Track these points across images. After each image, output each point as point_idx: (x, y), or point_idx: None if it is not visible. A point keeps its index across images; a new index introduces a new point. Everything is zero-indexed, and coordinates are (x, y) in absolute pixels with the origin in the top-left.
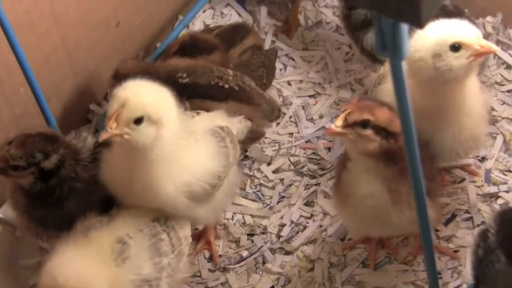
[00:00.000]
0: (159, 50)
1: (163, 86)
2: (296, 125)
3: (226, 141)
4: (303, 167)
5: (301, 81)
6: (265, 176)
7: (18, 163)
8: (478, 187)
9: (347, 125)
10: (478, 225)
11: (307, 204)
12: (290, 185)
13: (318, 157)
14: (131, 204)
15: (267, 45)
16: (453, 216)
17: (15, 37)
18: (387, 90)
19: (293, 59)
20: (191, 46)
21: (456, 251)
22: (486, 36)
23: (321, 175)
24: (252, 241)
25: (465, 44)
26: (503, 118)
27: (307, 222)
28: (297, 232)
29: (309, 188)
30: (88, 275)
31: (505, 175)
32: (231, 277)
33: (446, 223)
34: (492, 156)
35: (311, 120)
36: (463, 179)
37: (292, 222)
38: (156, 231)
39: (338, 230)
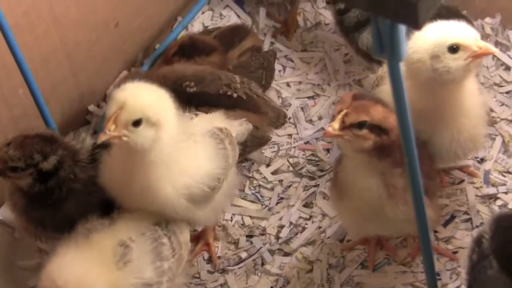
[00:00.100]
0: (158, 52)
1: (168, 93)
2: (295, 127)
3: (225, 142)
4: (302, 168)
5: (300, 82)
6: (264, 177)
7: (16, 164)
8: (477, 188)
9: (344, 127)
10: (477, 226)
11: (306, 205)
12: (289, 187)
13: (317, 159)
14: (130, 206)
15: (266, 47)
16: (452, 217)
17: (13, 38)
18: (385, 92)
19: (292, 61)
20: (190, 48)
21: (455, 252)
22: (485, 37)
23: (320, 177)
24: (251, 243)
25: (463, 45)
26: (502, 119)
27: (306, 224)
28: (296, 234)
29: (308, 190)
30: (88, 278)
31: (504, 176)
32: (230, 278)
33: (445, 224)
34: (491, 157)
35: (310, 121)
36: (462, 180)
37: (291, 223)
38: (158, 235)
39: (337, 232)
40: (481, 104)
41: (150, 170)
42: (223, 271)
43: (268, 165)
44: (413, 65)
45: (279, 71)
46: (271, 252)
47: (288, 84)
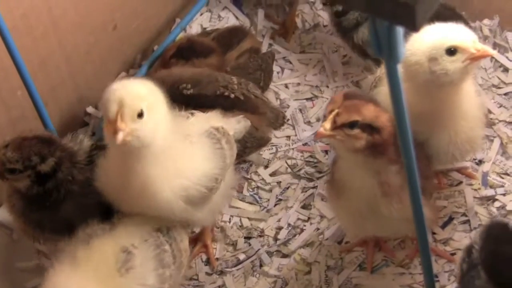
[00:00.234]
0: (156, 53)
1: (167, 96)
2: (294, 128)
3: (222, 142)
4: (300, 170)
5: (298, 84)
6: (262, 179)
7: (14, 166)
8: (475, 190)
9: (335, 127)
10: (475, 228)
11: (304, 207)
12: (287, 188)
13: (315, 160)
14: (128, 210)
15: (264, 48)
16: (450, 219)
17: (12, 40)
18: (383, 93)
19: (290, 62)
20: (188, 50)
21: (453, 254)
22: (483, 39)
23: (318, 178)
24: (249, 244)
25: (461, 47)
26: (500, 121)
27: (304, 225)
28: (294, 235)
29: (306, 191)
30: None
31: (502, 178)
32: (228, 280)
33: (443, 226)
34: (489, 159)
35: (309, 123)
36: (460, 182)
37: (289, 225)
38: (160, 242)
39: (335, 233)
40: (478, 106)
41: (146, 172)
42: (221, 272)
43: (266, 167)
44: (411, 67)
45: (278, 72)
46: (269, 254)
47: (286, 86)
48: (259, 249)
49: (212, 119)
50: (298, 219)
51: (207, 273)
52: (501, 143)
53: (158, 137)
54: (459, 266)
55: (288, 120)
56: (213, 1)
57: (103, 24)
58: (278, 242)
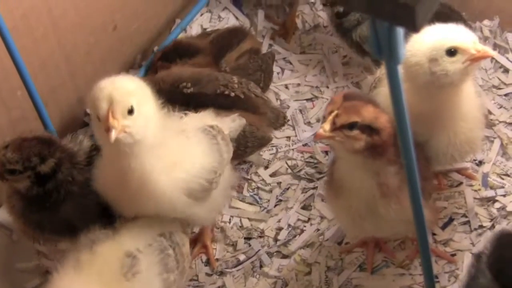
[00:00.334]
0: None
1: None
2: (294, 129)
3: (218, 138)
4: (300, 170)
5: (298, 84)
6: (263, 179)
7: (14, 167)
8: (475, 191)
9: (335, 128)
10: (475, 229)
11: (304, 207)
12: (288, 189)
13: (315, 161)
14: (127, 211)
15: (264, 49)
16: (450, 220)
17: (12, 41)
18: (383, 94)
19: (290, 63)
20: (173, 52)
21: (453, 255)
22: (483, 39)
23: (318, 179)
24: (249, 245)
25: (461, 48)
26: (500, 121)
27: (304, 226)
28: (294, 236)
29: (306, 192)
30: None
31: (502, 179)
32: (228, 280)
33: (443, 227)
34: (489, 160)
35: (309, 123)
36: (460, 183)
37: (289, 225)
38: (164, 246)
39: (335, 234)
40: (478, 107)
41: (142, 168)
42: (221, 273)
43: (266, 167)
44: (411, 68)
45: (278, 73)
46: (270, 255)
47: (286, 86)
48: (259, 250)
49: (206, 118)
50: (298, 219)
51: (207, 274)
52: (501, 144)
53: (149, 133)
54: (468, 271)
55: (288, 120)
56: (213, 2)
57: (103, 24)
58: (278, 243)
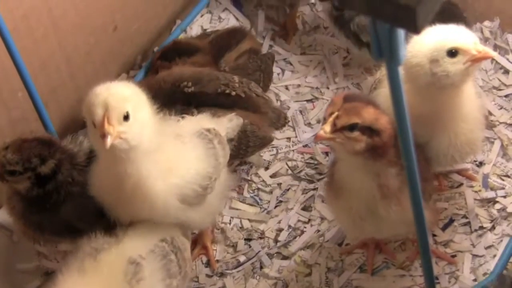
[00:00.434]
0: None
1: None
2: (294, 130)
3: (214, 142)
4: (300, 171)
5: (298, 85)
6: (263, 180)
7: (14, 168)
8: (476, 192)
9: (335, 129)
10: (475, 230)
11: (305, 208)
12: (288, 190)
13: (315, 162)
14: (123, 215)
15: (264, 50)
16: (451, 221)
17: (12, 41)
18: (383, 95)
19: (291, 64)
20: (172, 51)
21: (453, 256)
22: (484, 41)
23: (318, 180)
24: (250, 246)
25: (462, 49)
26: (500, 123)
27: (305, 227)
28: (295, 237)
29: (306, 193)
30: None
31: (503, 180)
32: (228, 282)
33: (444, 228)
34: (489, 161)
35: (309, 124)
36: (461, 184)
37: (289, 226)
38: (166, 252)
39: (335, 235)
40: (479, 108)
41: (137, 173)
42: (222, 274)
43: (266, 168)
44: (412, 69)
45: (278, 74)
46: (270, 256)
47: (286, 87)
48: (259, 251)
49: (202, 121)
50: (299, 221)
51: (207, 275)
52: (502, 145)
53: (145, 138)
54: None
55: (288, 121)
56: (213, 3)
57: (103, 25)
58: (278, 244)
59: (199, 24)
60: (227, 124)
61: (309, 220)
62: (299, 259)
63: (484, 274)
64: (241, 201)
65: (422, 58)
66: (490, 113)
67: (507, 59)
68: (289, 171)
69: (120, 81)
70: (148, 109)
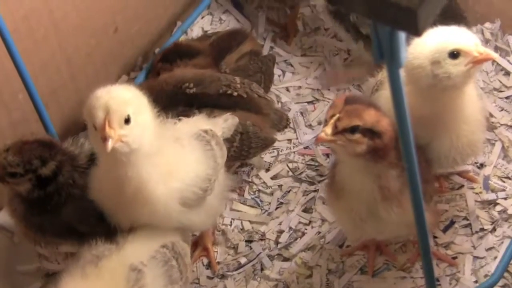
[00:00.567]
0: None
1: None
2: (295, 131)
3: (212, 143)
4: (301, 173)
5: (299, 87)
6: (264, 182)
7: (15, 170)
8: (477, 193)
9: (336, 132)
10: (476, 232)
11: (306, 210)
12: (289, 192)
13: (316, 163)
14: (123, 220)
15: (265, 51)
16: (452, 222)
17: (13, 43)
18: (384, 97)
19: (291, 65)
20: (173, 53)
21: (454, 258)
22: (485, 42)
23: (319, 181)
24: (251, 248)
25: (464, 51)
26: (501, 124)
27: (306, 229)
28: (296, 239)
29: (307, 195)
30: None
31: (504, 182)
32: (229, 283)
33: (445, 230)
34: (490, 162)
35: (310, 126)
36: (462, 186)
37: (290, 228)
38: (168, 258)
39: (336, 237)
40: (480, 109)
41: (138, 176)
42: (223, 276)
43: (267, 170)
44: (413, 71)
45: (279, 75)
46: (271, 257)
47: (287, 89)
48: (260, 253)
49: (199, 122)
50: (299, 222)
51: (208, 277)
52: (503, 147)
53: (145, 141)
54: None
55: (290, 123)
56: (214, 4)
57: (104, 26)
58: (279, 246)
59: (200, 26)
60: (223, 124)
61: (310, 221)
62: (300, 261)
63: (485, 276)
64: (242, 203)
65: (423, 60)
66: (491, 115)
67: (508, 61)
68: (290, 173)
69: (121, 84)
70: (149, 112)
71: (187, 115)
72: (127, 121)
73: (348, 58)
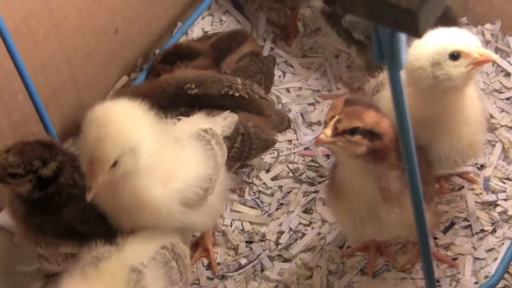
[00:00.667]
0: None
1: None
2: (295, 132)
3: (212, 143)
4: (301, 174)
5: (300, 88)
6: (264, 183)
7: (16, 171)
8: (477, 195)
9: (336, 133)
10: (476, 233)
11: (306, 211)
12: (289, 192)
13: (316, 164)
14: (124, 222)
15: (266, 52)
16: (452, 223)
17: (13, 43)
18: (385, 98)
19: (292, 66)
20: (173, 54)
21: (454, 259)
22: (485, 43)
23: (319, 182)
24: (251, 249)
25: (464, 52)
26: (502, 125)
27: (306, 230)
28: (296, 240)
29: (307, 195)
30: None
31: (504, 183)
32: (229, 284)
33: (445, 231)
34: (491, 164)
35: (310, 127)
36: (462, 187)
37: (290, 229)
38: (168, 259)
39: (336, 238)
40: (481, 111)
41: (139, 179)
42: (223, 277)
43: (267, 171)
44: (414, 72)
45: (279, 76)
46: (271, 258)
47: (288, 90)
48: (260, 254)
49: (198, 121)
50: (300, 223)
51: (208, 278)
52: (503, 148)
53: (142, 160)
54: None
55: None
56: (214, 5)
57: (104, 27)
58: (279, 247)
59: (200, 27)
60: (222, 122)
61: (310, 222)
62: (300, 262)
63: (486, 277)
64: (242, 204)
65: (424, 61)
66: (491, 116)
67: (508, 62)
68: (290, 174)
69: (121, 103)
70: (147, 133)
71: (189, 115)
72: (114, 164)
73: (349, 59)
